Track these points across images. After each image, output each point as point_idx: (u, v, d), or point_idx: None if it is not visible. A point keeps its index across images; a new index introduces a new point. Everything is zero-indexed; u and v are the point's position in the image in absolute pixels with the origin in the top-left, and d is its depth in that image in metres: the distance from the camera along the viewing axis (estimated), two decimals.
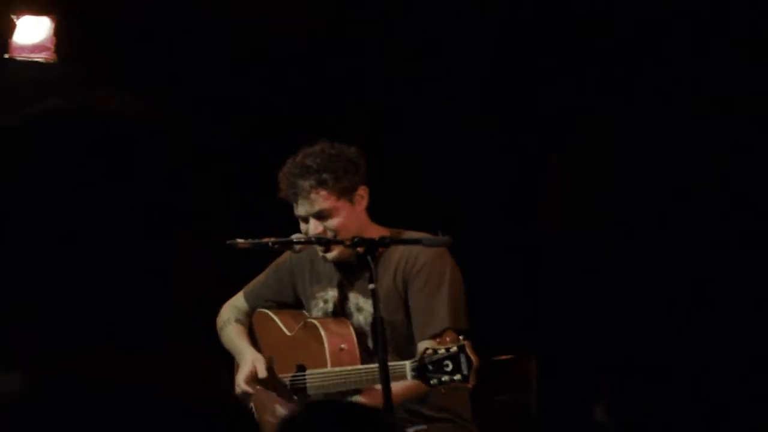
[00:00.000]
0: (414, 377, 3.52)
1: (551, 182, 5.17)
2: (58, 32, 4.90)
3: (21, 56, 4.87)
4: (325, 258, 3.90)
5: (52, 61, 4.90)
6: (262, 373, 3.90)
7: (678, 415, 4.82)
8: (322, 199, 3.83)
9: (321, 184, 3.82)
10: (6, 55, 4.88)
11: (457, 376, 3.46)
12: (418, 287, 3.84)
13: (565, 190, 5.13)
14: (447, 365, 3.48)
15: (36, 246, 1.28)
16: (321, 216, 3.84)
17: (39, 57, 4.87)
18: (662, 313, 4.92)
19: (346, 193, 3.84)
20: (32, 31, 4.85)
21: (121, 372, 1.28)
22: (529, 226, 5.26)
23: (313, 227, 3.85)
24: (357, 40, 5.23)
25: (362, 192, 3.89)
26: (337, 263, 3.96)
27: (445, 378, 3.48)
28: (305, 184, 3.83)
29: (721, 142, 4.84)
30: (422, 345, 3.71)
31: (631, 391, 4.90)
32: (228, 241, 3.70)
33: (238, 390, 3.95)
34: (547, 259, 5.20)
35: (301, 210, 3.87)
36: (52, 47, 4.89)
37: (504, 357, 4.06)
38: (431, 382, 3.50)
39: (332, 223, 3.83)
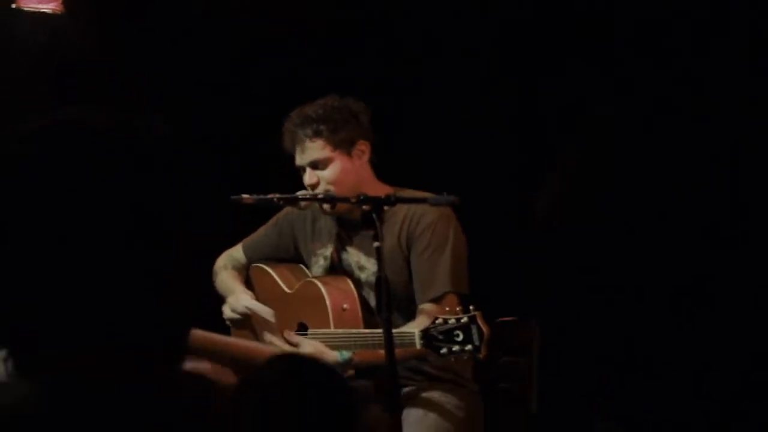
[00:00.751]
0: (423, 345, 3.53)
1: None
2: None
3: (28, 6, 4.85)
4: (323, 210, 3.90)
5: (59, 12, 4.88)
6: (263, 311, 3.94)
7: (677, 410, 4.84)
8: (317, 149, 3.84)
9: (317, 133, 3.83)
10: (13, 5, 4.85)
11: (468, 347, 3.47)
12: (421, 248, 3.83)
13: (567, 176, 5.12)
14: (457, 335, 3.48)
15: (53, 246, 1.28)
16: (315, 166, 3.85)
17: (46, 8, 4.85)
18: (664, 297, 4.92)
19: (343, 144, 3.84)
20: None
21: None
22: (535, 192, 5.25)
23: (308, 177, 3.85)
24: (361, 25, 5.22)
25: (362, 147, 3.88)
26: (340, 220, 3.96)
27: (455, 348, 3.48)
28: (302, 133, 3.84)
29: (721, 142, 4.83)
30: (424, 308, 3.73)
31: (631, 386, 4.91)
32: (233, 197, 3.69)
33: (230, 311, 4.00)
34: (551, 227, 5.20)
35: (298, 159, 3.88)
36: None
37: (506, 318, 4.05)
38: (441, 351, 3.50)
39: (326, 174, 3.84)
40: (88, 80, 4.85)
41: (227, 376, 1.47)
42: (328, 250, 3.99)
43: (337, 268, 3.98)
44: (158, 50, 5.03)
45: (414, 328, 3.57)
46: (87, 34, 4.90)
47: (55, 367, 1.27)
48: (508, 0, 5.15)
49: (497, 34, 5.17)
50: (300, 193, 3.86)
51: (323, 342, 3.78)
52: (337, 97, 3.90)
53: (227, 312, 4.05)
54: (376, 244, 3.53)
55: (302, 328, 3.92)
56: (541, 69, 5.12)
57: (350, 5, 5.20)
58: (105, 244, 1.28)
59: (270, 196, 3.77)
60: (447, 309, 3.60)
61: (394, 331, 3.47)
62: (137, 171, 1.31)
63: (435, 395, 3.86)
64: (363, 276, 3.91)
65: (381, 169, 3.99)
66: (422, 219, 3.85)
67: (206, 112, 5.07)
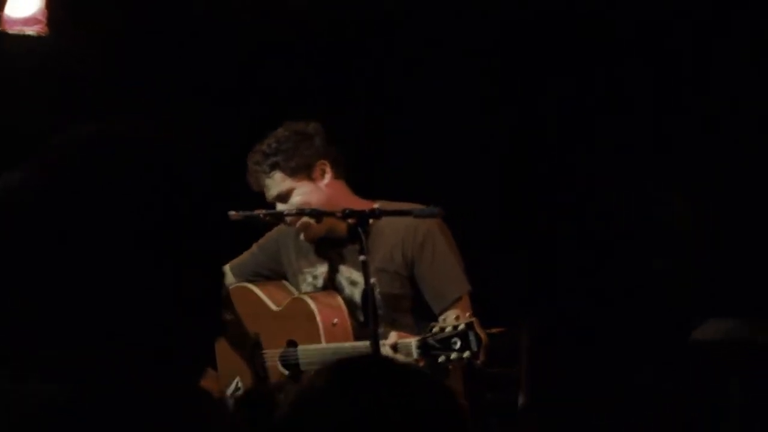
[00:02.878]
0: (419, 354, 3.53)
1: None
2: (51, 5, 4.87)
3: (13, 30, 4.84)
4: (308, 239, 3.92)
5: (44, 35, 4.87)
6: None
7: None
8: (277, 182, 3.88)
9: (272, 167, 3.87)
10: None
11: (466, 353, 3.47)
12: (428, 259, 3.85)
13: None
14: (455, 342, 3.49)
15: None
16: (282, 198, 3.89)
17: (31, 30, 4.85)
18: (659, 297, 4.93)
19: (300, 170, 3.86)
20: (24, 4, 4.83)
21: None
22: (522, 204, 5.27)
23: (281, 209, 3.88)
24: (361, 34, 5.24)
25: (322, 167, 3.90)
26: (327, 238, 3.97)
27: (453, 355, 3.49)
28: (261, 170, 3.88)
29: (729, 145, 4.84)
30: (449, 314, 3.72)
31: None
32: None
33: None
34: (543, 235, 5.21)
35: (267, 196, 3.91)
36: (44, 20, 4.86)
37: (495, 330, 4.05)
38: (439, 359, 3.51)
39: (294, 202, 3.87)
40: (81, 98, 4.86)
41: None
42: (317, 269, 4.00)
43: (328, 287, 3.98)
44: (146, 67, 5.05)
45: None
46: (75, 53, 4.91)
47: (72, 371, 1.27)
48: (497, 12, 5.16)
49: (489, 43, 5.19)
50: (286, 209, 3.88)
51: (314, 357, 3.79)
52: (289, 124, 3.93)
53: None
54: (361, 257, 3.54)
55: (292, 345, 3.92)
56: (532, 80, 5.14)
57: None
58: (129, 250, 1.30)
59: (256, 212, 3.79)
60: (468, 312, 3.66)
61: (391, 341, 3.49)
62: (161, 181, 1.33)
63: None
64: (356, 291, 3.91)
65: (371, 180, 4.00)
66: (417, 230, 3.86)
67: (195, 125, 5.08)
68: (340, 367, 1.53)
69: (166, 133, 1.38)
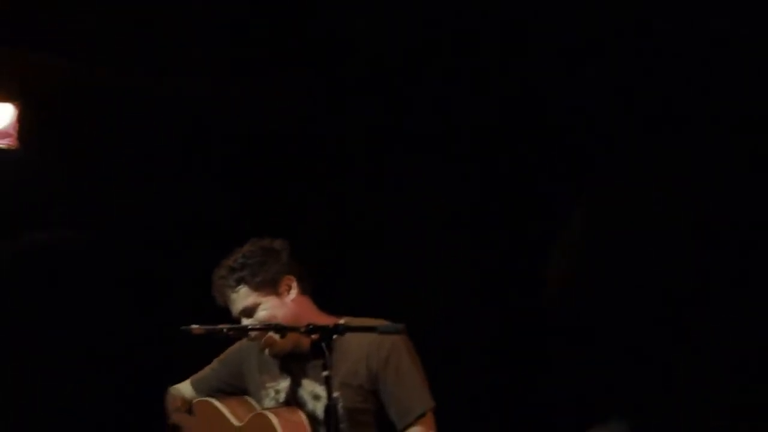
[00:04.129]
0: None
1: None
2: (21, 119, 4.92)
3: None
4: (272, 355, 3.91)
5: (13, 148, 4.92)
6: None
7: None
8: (242, 297, 3.90)
9: (239, 282, 3.90)
10: None
11: None
12: (392, 375, 3.84)
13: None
14: None
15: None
16: (247, 313, 3.91)
17: (1, 143, 4.89)
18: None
19: (266, 286, 3.89)
20: None
21: None
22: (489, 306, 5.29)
23: (246, 324, 3.88)
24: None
25: (288, 282, 3.92)
26: (291, 353, 3.95)
27: None
28: (226, 285, 3.91)
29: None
30: (414, 429, 3.75)
31: None
32: (182, 327, 3.69)
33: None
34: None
35: (232, 310, 3.93)
36: (15, 134, 4.91)
37: None
38: None
39: (260, 317, 3.88)
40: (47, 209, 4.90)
41: None
42: (280, 384, 3.99)
43: (290, 402, 3.96)
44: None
45: None
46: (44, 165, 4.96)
47: None
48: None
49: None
50: (250, 324, 3.88)
51: None
52: (255, 240, 3.96)
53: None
54: (325, 372, 3.53)
55: None
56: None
57: None
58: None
59: (220, 326, 3.78)
60: (431, 429, 3.69)
61: None
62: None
63: None
64: (319, 405, 3.89)
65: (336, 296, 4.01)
66: (381, 346, 3.86)
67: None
68: None
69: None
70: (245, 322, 3.90)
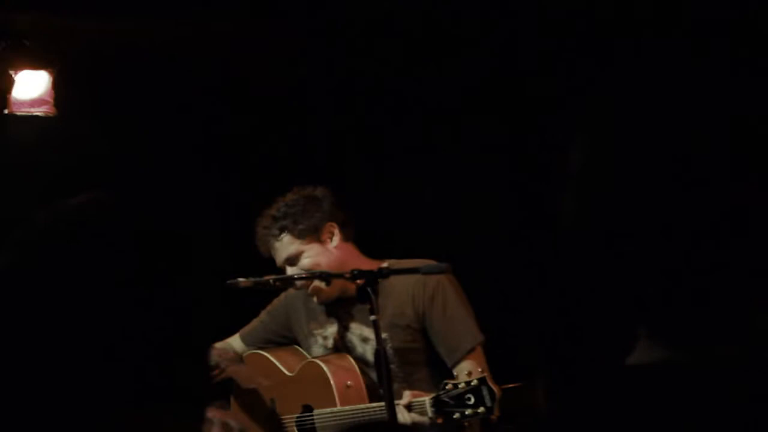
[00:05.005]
0: (434, 413, 3.53)
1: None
2: (57, 85, 4.95)
3: (21, 111, 4.91)
4: (319, 300, 3.93)
5: (51, 115, 4.94)
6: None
7: None
8: (286, 245, 3.92)
9: (281, 230, 3.92)
10: (6, 111, 4.92)
11: (481, 409, 3.48)
12: (438, 313, 3.86)
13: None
14: (469, 398, 3.50)
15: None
16: (291, 262, 3.93)
17: (38, 111, 4.92)
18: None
19: (309, 233, 3.90)
20: (31, 86, 4.90)
21: None
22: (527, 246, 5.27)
23: (290, 273, 3.90)
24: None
25: (330, 229, 3.94)
26: (338, 298, 3.97)
27: (468, 411, 3.50)
28: (269, 234, 3.92)
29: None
30: (462, 367, 3.75)
31: None
32: (228, 281, 3.72)
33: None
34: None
35: (276, 260, 3.94)
36: (51, 101, 4.93)
37: (511, 385, 4.03)
38: (454, 416, 3.51)
39: (304, 265, 3.90)
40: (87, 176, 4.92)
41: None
42: (327, 330, 4.01)
43: (340, 348, 3.98)
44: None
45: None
46: (82, 132, 4.98)
47: None
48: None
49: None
50: (295, 273, 3.89)
51: (330, 420, 3.78)
52: (297, 189, 3.98)
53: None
54: (372, 317, 3.55)
55: (307, 410, 3.91)
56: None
57: None
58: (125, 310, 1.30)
59: (266, 278, 3.80)
60: (481, 363, 3.70)
61: (405, 401, 3.47)
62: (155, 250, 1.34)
63: None
64: (368, 348, 3.91)
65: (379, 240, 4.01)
66: (426, 285, 3.87)
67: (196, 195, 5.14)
68: None
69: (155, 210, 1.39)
70: (290, 271, 3.92)
